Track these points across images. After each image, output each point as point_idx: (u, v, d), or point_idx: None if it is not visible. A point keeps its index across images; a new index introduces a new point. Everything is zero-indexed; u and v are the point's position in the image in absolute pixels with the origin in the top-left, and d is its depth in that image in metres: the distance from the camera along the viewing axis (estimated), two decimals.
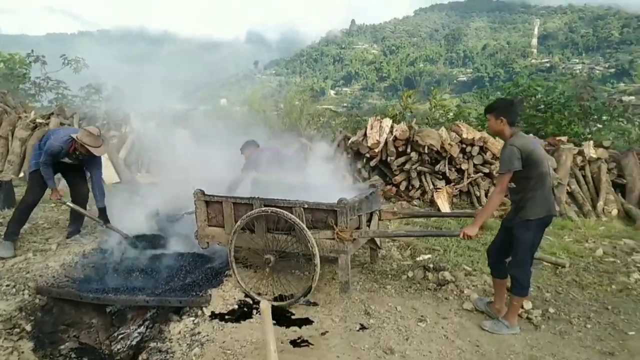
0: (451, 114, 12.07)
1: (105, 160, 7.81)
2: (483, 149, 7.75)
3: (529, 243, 3.28)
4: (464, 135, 7.76)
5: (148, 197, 5.81)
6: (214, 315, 3.59)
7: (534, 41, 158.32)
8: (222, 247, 3.88)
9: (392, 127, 8.34)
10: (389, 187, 7.68)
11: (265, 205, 3.50)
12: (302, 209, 3.42)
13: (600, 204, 7.37)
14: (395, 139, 7.86)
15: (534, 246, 3.35)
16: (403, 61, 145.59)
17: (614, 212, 7.35)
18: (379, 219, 4.07)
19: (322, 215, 3.41)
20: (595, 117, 11.06)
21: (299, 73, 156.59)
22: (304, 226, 3.34)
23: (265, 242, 3.55)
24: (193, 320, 3.58)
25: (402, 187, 7.69)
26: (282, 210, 3.39)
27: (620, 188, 7.88)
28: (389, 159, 7.79)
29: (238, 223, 3.53)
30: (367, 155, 7.93)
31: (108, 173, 7.74)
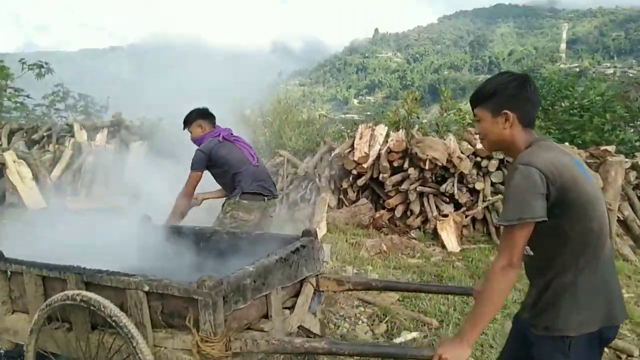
0: (468, 118, 10.27)
1: (29, 182, 6.38)
2: (504, 163, 5.98)
3: None
4: (479, 146, 6.00)
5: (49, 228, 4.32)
6: None
7: (563, 46, 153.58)
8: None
9: (387, 136, 6.66)
10: (380, 212, 5.98)
11: (82, 283, 1.92)
12: (141, 293, 1.83)
13: None
14: (390, 151, 6.17)
15: None
16: (427, 69, 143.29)
17: None
18: (317, 290, 2.44)
19: (179, 306, 1.80)
20: None
21: (323, 82, 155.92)
22: (135, 330, 1.74)
23: (87, 349, 1.94)
24: None
25: (398, 213, 5.98)
26: (99, 299, 1.78)
27: None
28: (381, 176, 6.10)
29: (37, 314, 1.96)
30: (354, 172, 6.26)
31: (32, 197, 6.30)
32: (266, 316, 2.11)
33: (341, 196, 6.47)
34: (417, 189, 5.92)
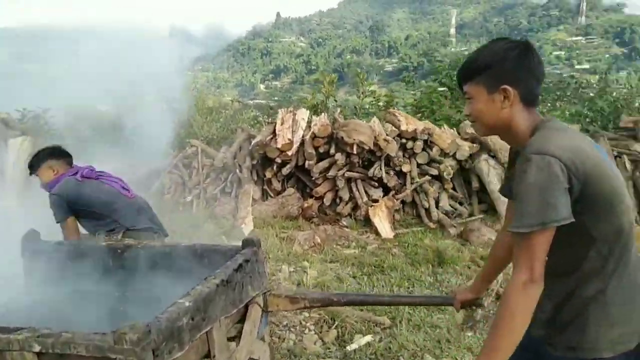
0: (382, 102, 10.27)
1: None
2: (428, 144, 5.92)
3: None
4: (403, 127, 5.87)
5: None
6: None
7: (452, 30, 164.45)
8: None
9: (310, 121, 6.29)
10: (309, 202, 5.63)
11: None
12: (30, 356, 1.29)
13: None
14: (315, 136, 5.81)
15: None
16: (330, 53, 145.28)
17: None
18: (265, 311, 2.01)
19: None
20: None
21: (227, 68, 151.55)
22: None
23: None
24: None
25: (327, 201, 5.67)
26: None
27: None
28: (307, 163, 5.73)
29: None
30: (278, 160, 5.82)
31: None
32: (208, 355, 1.64)
33: (265, 187, 6.01)
34: (345, 175, 5.65)
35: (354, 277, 3.94)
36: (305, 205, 5.58)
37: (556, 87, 9.44)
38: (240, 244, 2.04)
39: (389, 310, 3.20)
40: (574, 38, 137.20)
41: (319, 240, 4.67)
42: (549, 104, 9.51)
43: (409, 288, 3.73)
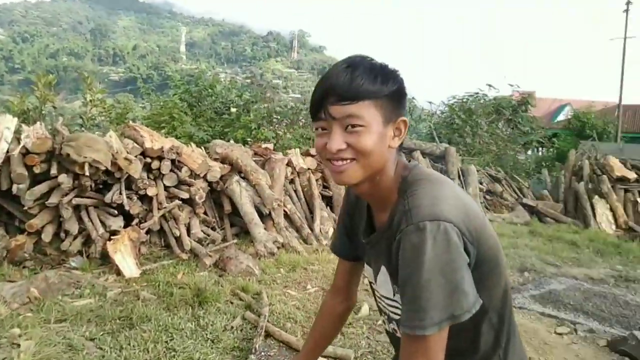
0: (113, 114, 9.01)
1: None
2: (176, 164, 5.32)
3: None
4: (147, 144, 5.10)
5: None
6: None
7: (183, 47, 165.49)
8: None
9: (18, 132, 4.82)
10: (18, 240, 4.22)
11: None
12: None
13: (317, 223, 6.15)
14: (27, 152, 4.45)
15: None
16: (41, 52, 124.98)
17: (330, 231, 6.29)
18: None
19: None
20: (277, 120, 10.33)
21: None
22: None
23: None
24: None
25: (47, 236, 4.38)
26: None
27: (327, 201, 6.95)
28: (15, 187, 4.31)
29: None
30: None
31: None
32: None
33: None
34: (73, 202, 4.49)
35: (93, 340, 3.02)
36: (14, 244, 4.15)
37: (292, 112, 10.21)
38: None
39: None
40: (289, 70, 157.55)
41: (36, 293, 3.47)
42: (284, 127, 10.18)
43: (167, 342, 3.06)
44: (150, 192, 4.97)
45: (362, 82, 0.93)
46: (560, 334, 3.73)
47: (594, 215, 8.34)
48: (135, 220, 4.81)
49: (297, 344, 3.13)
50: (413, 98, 17.17)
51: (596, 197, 8.56)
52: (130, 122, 6.57)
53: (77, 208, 4.60)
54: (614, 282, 5.31)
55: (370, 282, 1.20)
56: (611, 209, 8.44)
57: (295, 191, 6.43)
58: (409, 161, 1.07)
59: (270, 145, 6.55)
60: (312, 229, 6.04)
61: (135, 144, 5.17)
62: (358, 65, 0.96)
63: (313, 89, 0.98)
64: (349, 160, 0.97)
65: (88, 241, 4.53)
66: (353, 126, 0.95)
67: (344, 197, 1.28)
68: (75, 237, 4.49)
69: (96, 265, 4.34)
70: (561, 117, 28.61)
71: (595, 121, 17.67)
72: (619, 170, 8.79)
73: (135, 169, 4.80)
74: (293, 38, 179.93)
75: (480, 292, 0.94)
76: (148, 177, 5.08)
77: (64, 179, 4.44)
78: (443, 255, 0.85)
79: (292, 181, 6.50)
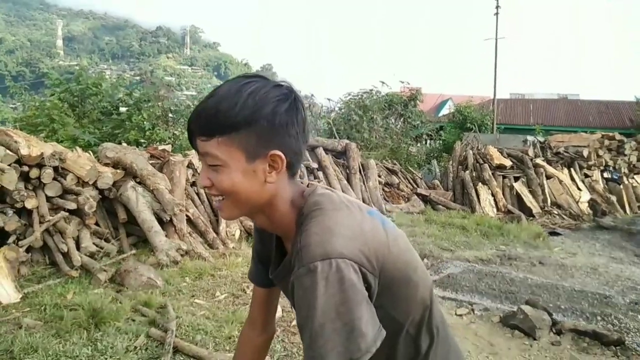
0: None
1: None
2: (59, 171, 4.79)
3: None
4: (24, 151, 4.51)
5: None
6: None
7: (60, 42, 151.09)
8: None
9: None
10: None
11: None
12: None
13: (222, 227, 5.95)
14: None
15: None
16: None
17: (237, 233, 6.13)
18: None
19: None
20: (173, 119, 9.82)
21: None
22: None
23: None
24: None
25: None
26: None
27: None
28: None
29: None
30: None
31: None
32: None
33: None
34: None
35: None
36: None
37: (189, 110, 9.75)
38: None
39: None
40: (182, 67, 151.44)
41: None
42: (181, 127, 9.70)
43: None
44: (29, 204, 4.42)
45: (219, 115, 0.86)
46: (460, 315, 4.01)
47: (479, 200, 9.14)
48: (12, 238, 4.24)
49: (208, 357, 2.98)
50: (312, 95, 17.63)
51: (480, 184, 9.38)
52: (4, 126, 5.78)
53: None
54: (500, 261, 5.86)
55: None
56: (492, 194, 9.31)
57: (198, 194, 6.15)
58: (307, 185, 1.01)
59: (168, 147, 6.18)
60: (217, 233, 5.83)
61: (8, 151, 4.55)
62: (223, 93, 0.88)
63: (208, 86, 0.89)
64: (221, 198, 0.92)
65: None
66: (211, 165, 0.90)
67: (254, 224, 1.18)
68: None
69: None
70: (444, 110, 30.99)
71: (475, 114, 19.42)
72: (498, 158, 9.73)
73: (10, 180, 4.23)
74: (185, 34, 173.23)
75: (393, 311, 0.93)
76: (26, 188, 4.51)
77: None
78: (336, 296, 0.80)
79: (193, 184, 6.20)
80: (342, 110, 15.52)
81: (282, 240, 1.04)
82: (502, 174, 9.72)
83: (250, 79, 0.90)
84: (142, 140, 8.30)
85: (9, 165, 4.36)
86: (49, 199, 4.63)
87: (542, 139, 11.67)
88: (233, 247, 5.71)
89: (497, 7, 23.66)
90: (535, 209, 9.15)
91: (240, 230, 6.18)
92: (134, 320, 3.50)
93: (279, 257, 1.04)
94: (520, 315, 3.67)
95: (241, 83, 0.89)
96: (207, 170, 0.91)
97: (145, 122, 8.44)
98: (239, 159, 0.88)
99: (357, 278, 0.82)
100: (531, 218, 8.71)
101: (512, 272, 5.30)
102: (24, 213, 4.48)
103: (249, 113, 0.86)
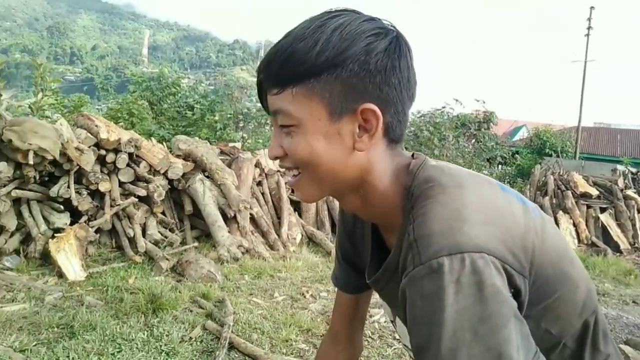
0: (62, 105, 8.38)
1: None
2: (133, 158, 4.86)
3: None
4: (103, 135, 4.63)
5: None
6: None
7: (145, 50, 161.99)
8: None
9: None
10: None
11: None
12: None
13: (284, 229, 5.80)
14: None
15: None
16: None
17: (298, 237, 5.95)
18: None
19: None
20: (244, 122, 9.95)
21: None
22: None
23: None
24: None
25: None
26: None
27: (295, 205, 6.62)
28: None
29: None
30: None
31: None
32: None
33: None
34: (12, 194, 3.96)
35: (23, 352, 2.55)
36: None
37: (260, 114, 9.86)
38: None
39: None
40: (254, 79, 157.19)
41: None
42: (250, 130, 9.81)
43: (114, 355, 2.63)
44: (103, 187, 4.50)
45: (294, 58, 0.64)
46: None
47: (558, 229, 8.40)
48: (84, 218, 4.32)
49: (264, 357, 2.77)
50: None
51: (560, 212, 8.63)
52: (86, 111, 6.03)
53: (17, 201, 4.08)
54: None
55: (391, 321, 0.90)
56: (574, 224, 8.53)
57: (263, 194, 6.07)
58: (413, 157, 0.74)
59: (238, 144, 6.17)
60: (279, 235, 5.68)
61: (89, 134, 4.69)
62: (300, 31, 0.66)
63: None
64: (296, 172, 0.71)
65: (27, 239, 4.01)
66: (283, 126, 0.68)
67: (339, 214, 0.96)
68: (12, 234, 3.96)
69: (35, 266, 3.82)
70: (517, 137, 29.54)
71: (555, 140, 18.25)
72: (583, 186, 8.93)
73: (87, 161, 4.33)
74: (260, 47, 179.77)
75: (546, 322, 0.67)
76: (101, 171, 4.61)
77: (4, 168, 3.92)
78: (474, 307, 0.55)
79: (259, 183, 6.13)
80: (412, 128, 15.13)
81: (381, 232, 0.80)
82: (587, 203, 8.88)
83: (337, 13, 0.67)
84: (213, 140, 8.43)
85: (89, 147, 4.47)
86: (121, 184, 4.71)
87: (634, 170, 10.62)
88: (293, 251, 5.53)
89: (589, 27, 22.27)
90: (624, 244, 8.24)
91: (302, 235, 6.01)
92: (191, 311, 3.39)
93: (378, 254, 0.80)
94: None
95: (324, 18, 0.66)
96: (279, 135, 0.70)
97: (216, 122, 8.58)
98: (320, 116, 0.65)
99: (501, 281, 0.57)
100: (618, 254, 7.85)
101: (602, 309, 4.70)
102: (97, 195, 4.57)
103: (334, 53, 0.63)
